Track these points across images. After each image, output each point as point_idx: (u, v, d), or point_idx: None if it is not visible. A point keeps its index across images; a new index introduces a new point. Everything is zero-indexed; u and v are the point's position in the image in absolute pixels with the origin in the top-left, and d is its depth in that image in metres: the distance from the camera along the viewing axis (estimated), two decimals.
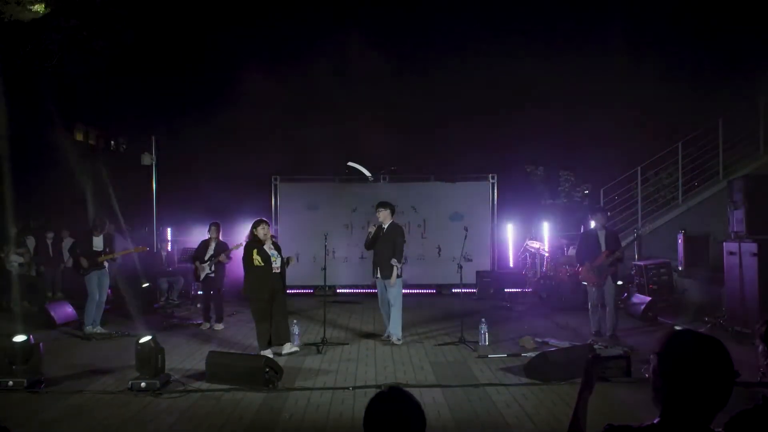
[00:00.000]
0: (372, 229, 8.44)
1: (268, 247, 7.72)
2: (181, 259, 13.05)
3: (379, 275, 8.27)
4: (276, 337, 7.65)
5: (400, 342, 8.22)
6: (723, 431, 1.93)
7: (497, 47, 15.69)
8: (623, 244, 13.24)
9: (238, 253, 8.46)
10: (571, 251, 11.49)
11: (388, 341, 8.33)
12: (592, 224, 9.07)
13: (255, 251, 7.61)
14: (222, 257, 9.62)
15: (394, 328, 8.30)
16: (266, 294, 7.57)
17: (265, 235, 7.72)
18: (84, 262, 8.99)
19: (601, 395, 5.59)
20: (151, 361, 6.12)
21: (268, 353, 7.38)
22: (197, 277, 10.08)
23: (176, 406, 5.64)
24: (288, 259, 7.92)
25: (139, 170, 14.29)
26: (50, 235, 12.93)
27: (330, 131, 16.02)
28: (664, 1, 15.86)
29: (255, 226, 7.78)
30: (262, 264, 7.60)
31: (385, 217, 8.32)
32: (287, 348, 7.66)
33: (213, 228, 9.95)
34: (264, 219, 7.99)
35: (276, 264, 7.70)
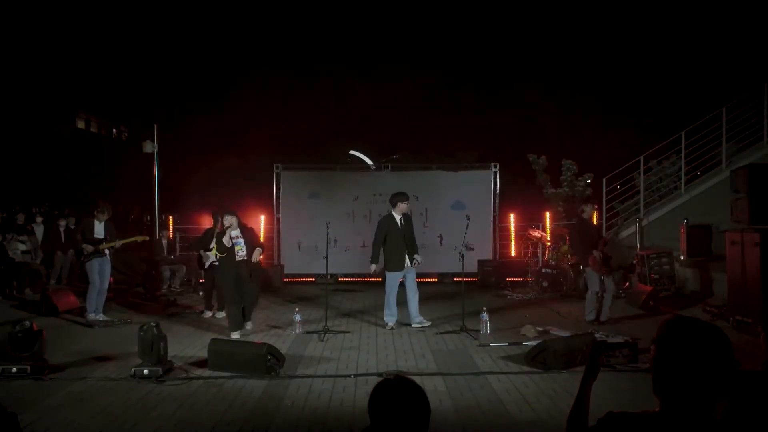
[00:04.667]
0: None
1: (230, 237, 8.11)
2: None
3: (409, 263, 8.54)
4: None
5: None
6: (721, 419, 1.93)
7: (499, 40, 15.63)
8: (626, 233, 13.29)
9: None
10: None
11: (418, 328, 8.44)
12: (584, 214, 9.07)
13: (214, 243, 8.47)
14: None
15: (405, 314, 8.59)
16: (230, 279, 8.13)
17: (229, 225, 8.17)
18: (86, 248, 8.98)
19: (606, 383, 5.61)
20: (153, 347, 6.15)
21: (236, 335, 7.87)
22: (201, 266, 10.08)
23: (178, 393, 5.66)
24: (255, 252, 8.27)
25: (140, 158, 14.28)
26: (63, 222, 13.04)
27: (332, 120, 16.00)
28: None
29: (222, 218, 8.45)
30: (223, 254, 8.16)
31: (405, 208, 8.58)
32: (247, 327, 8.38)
33: (221, 219, 9.97)
34: (232, 211, 8.32)
35: (242, 252, 8.19)
